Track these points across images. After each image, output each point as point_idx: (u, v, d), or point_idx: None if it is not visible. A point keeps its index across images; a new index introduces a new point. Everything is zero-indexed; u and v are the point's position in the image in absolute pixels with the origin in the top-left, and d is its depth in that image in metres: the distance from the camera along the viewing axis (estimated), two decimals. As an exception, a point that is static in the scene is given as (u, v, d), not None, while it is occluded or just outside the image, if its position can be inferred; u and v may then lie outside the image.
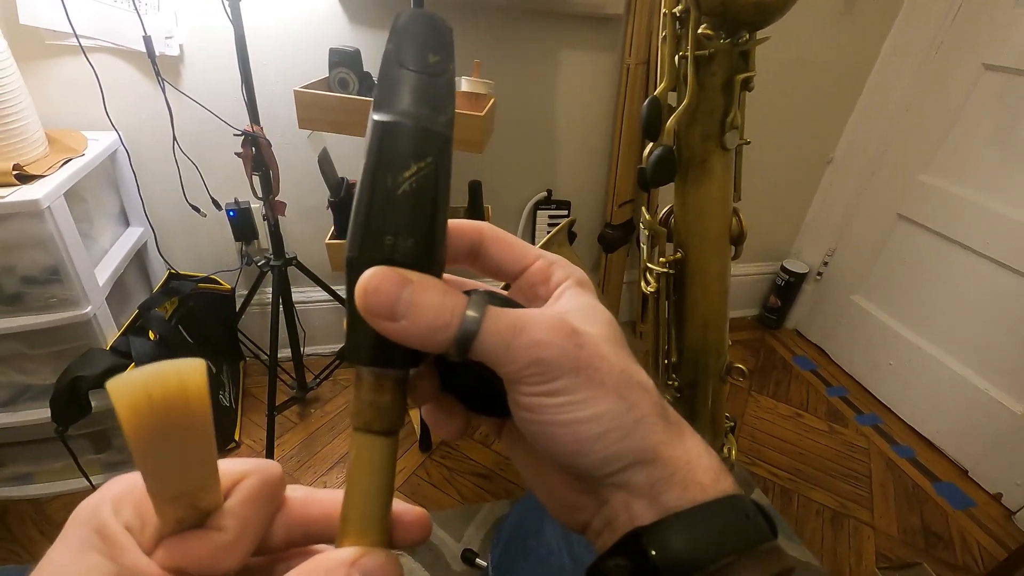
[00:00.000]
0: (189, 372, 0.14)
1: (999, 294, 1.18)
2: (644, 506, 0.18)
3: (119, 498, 0.16)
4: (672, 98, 0.40)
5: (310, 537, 0.19)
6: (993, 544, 1.10)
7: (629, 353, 0.20)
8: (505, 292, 0.22)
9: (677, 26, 0.37)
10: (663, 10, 0.37)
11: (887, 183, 1.41)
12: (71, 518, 0.16)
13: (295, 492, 0.20)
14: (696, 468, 0.19)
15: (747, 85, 0.37)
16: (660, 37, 0.39)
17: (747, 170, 0.41)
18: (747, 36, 0.34)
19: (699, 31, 0.33)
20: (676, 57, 0.38)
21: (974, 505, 1.19)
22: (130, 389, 0.14)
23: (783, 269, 1.66)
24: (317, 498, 0.20)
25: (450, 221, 0.20)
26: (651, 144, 0.40)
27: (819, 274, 1.64)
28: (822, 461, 1.28)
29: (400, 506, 0.20)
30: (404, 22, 0.19)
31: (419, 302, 0.17)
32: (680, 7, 0.35)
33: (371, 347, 0.18)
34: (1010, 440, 1.17)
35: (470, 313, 0.17)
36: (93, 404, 0.91)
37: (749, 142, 0.40)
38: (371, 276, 0.16)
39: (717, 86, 0.37)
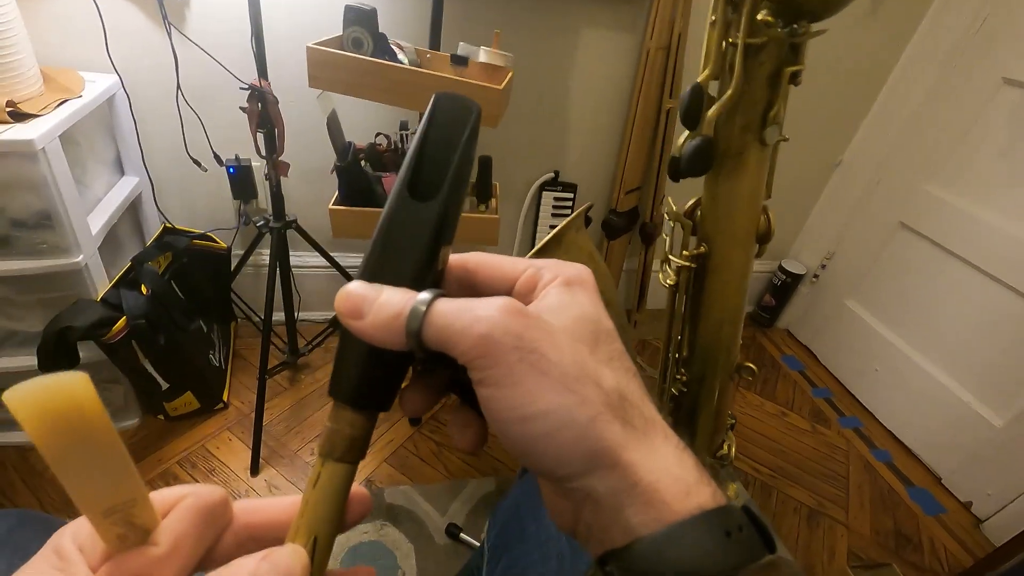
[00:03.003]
0: (76, 384, 0.15)
1: (992, 310, 1.19)
2: (610, 521, 0.18)
3: (80, 522, 0.18)
4: (711, 87, 0.38)
5: (261, 543, 0.20)
6: (960, 550, 1.14)
7: (604, 353, 0.19)
8: None
9: (729, 11, 0.35)
10: (715, -8, 0.35)
11: (892, 190, 1.41)
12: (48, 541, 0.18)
13: (244, 503, 0.21)
14: (661, 480, 0.17)
15: (795, 79, 0.36)
16: (709, 21, 0.37)
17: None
18: (805, 26, 0.32)
19: (758, 17, 0.31)
20: (724, 43, 0.36)
21: (944, 512, 1.23)
22: (26, 401, 0.14)
23: (781, 269, 1.66)
24: (263, 506, 0.21)
25: None
26: (688, 133, 0.39)
27: (815, 276, 1.65)
28: (803, 460, 1.30)
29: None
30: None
31: (382, 301, 0.19)
32: (736, -11, 0.34)
33: (353, 387, 0.20)
34: (987, 452, 1.20)
35: (421, 297, 0.18)
36: (81, 355, 0.90)
37: (788, 139, 0.39)
38: (350, 284, 0.19)
39: (764, 78, 0.36)
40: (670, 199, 0.46)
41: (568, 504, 0.19)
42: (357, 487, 0.22)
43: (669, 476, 0.18)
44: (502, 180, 1.25)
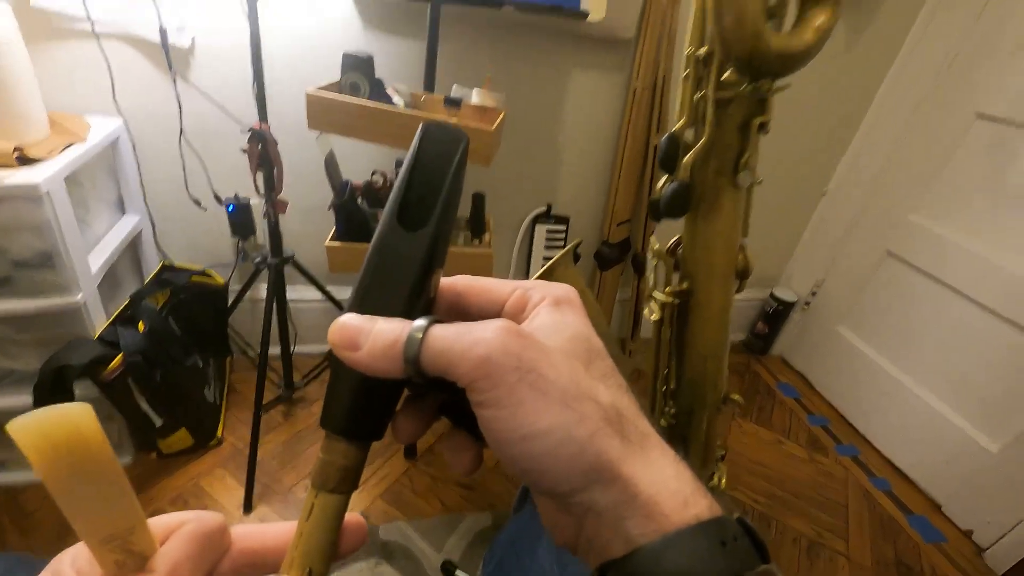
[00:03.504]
0: (79, 414, 0.15)
1: (981, 336, 1.21)
2: (611, 534, 0.18)
3: (79, 548, 0.18)
4: (689, 134, 0.41)
5: (258, 569, 0.20)
6: (963, 580, 1.12)
7: (598, 370, 0.20)
8: None
9: (700, 67, 0.38)
10: (686, 50, 0.38)
11: (878, 219, 1.45)
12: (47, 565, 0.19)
13: (241, 529, 0.22)
14: (660, 492, 0.18)
15: (763, 128, 0.38)
16: (682, 75, 0.40)
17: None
18: (769, 84, 0.35)
19: (723, 77, 0.34)
20: (696, 96, 0.39)
21: (945, 540, 1.22)
22: (30, 431, 0.15)
23: (772, 296, 1.69)
24: (260, 532, 0.22)
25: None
26: (666, 177, 0.41)
27: (807, 303, 1.67)
28: (801, 489, 1.30)
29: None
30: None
31: (378, 331, 0.19)
32: (704, 49, 0.36)
33: (346, 418, 0.21)
34: (983, 478, 1.20)
35: (417, 324, 0.19)
36: (77, 394, 0.90)
37: (761, 182, 0.41)
38: (343, 316, 0.19)
39: (734, 127, 0.38)
40: (654, 237, 0.48)
41: (569, 519, 0.20)
42: (353, 515, 0.22)
43: (667, 488, 0.18)
44: (496, 214, 1.28)
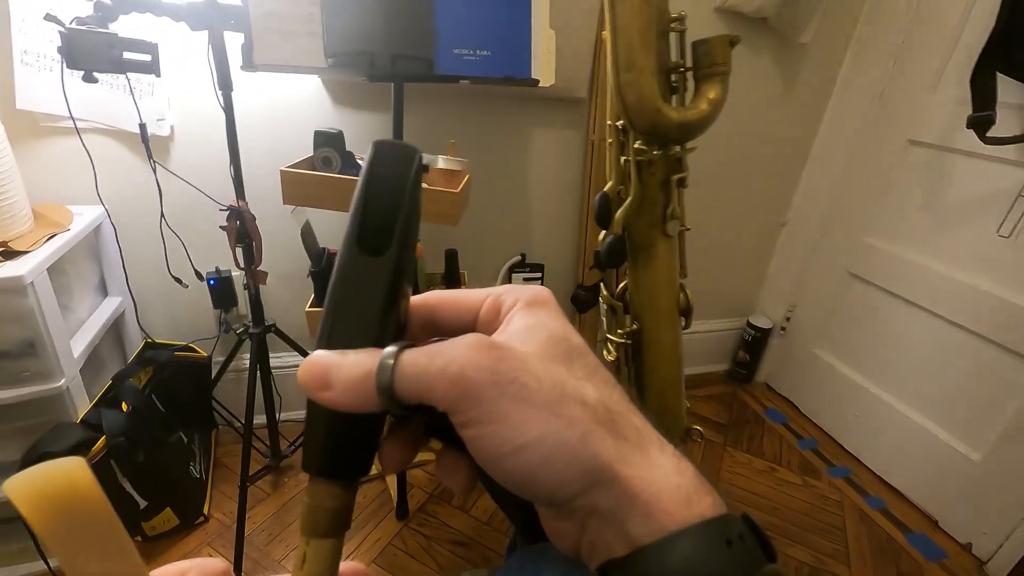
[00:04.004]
0: (73, 467, 0.16)
1: (947, 347, 1.26)
2: (613, 534, 0.18)
3: None
4: (619, 191, 0.46)
5: None
6: (967, 596, 1.11)
7: (581, 369, 0.19)
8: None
9: (620, 135, 0.43)
10: (608, 121, 0.44)
11: (837, 243, 1.52)
12: None
13: None
14: (662, 490, 0.17)
15: (682, 183, 0.43)
16: (608, 143, 0.45)
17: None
18: (677, 148, 0.40)
19: (635, 145, 0.39)
20: (621, 159, 0.44)
21: (946, 556, 1.21)
22: (25, 488, 0.15)
23: (749, 324, 1.73)
24: None
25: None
26: (603, 232, 0.45)
27: (783, 329, 1.72)
28: (797, 515, 1.29)
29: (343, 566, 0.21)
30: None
31: (349, 364, 0.18)
32: (622, 121, 0.42)
33: (328, 458, 0.20)
34: (973, 488, 1.21)
35: (387, 352, 0.18)
36: (58, 481, 0.89)
37: (689, 228, 0.46)
38: (312, 354, 0.19)
39: (656, 184, 0.43)
40: (602, 285, 0.52)
41: (571, 525, 0.19)
42: (351, 564, 0.21)
43: (669, 485, 0.17)
44: (472, 267, 1.33)
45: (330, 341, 0.19)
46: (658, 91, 0.36)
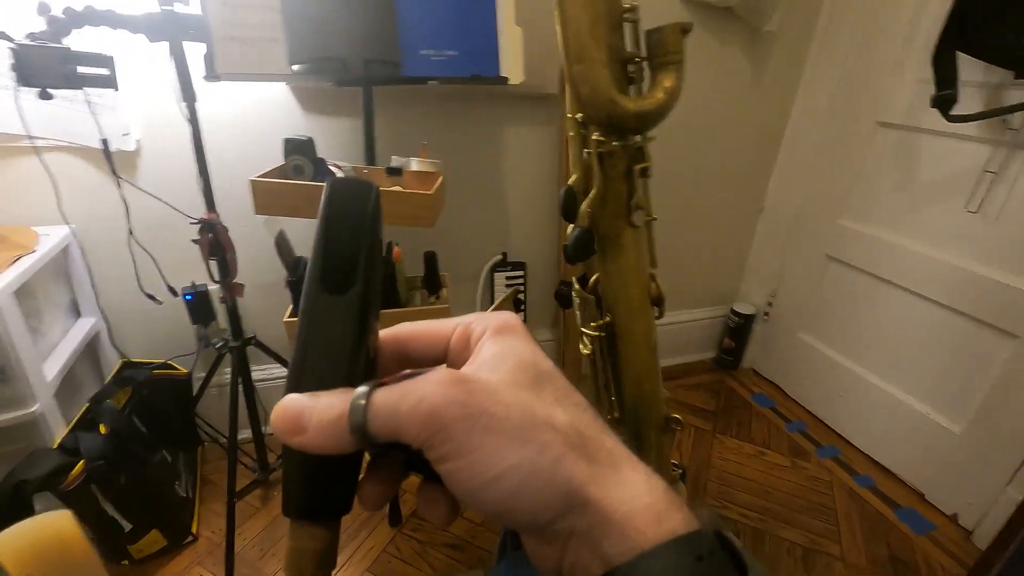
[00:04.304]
0: (59, 520, 0.16)
1: (924, 324, 1.28)
2: (590, 555, 0.18)
3: None
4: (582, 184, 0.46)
5: None
6: (955, 566, 1.14)
7: (550, 394, 0.20)
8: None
9: (581, 128, 0.43)
10: (568, 115, 0.43)
11: (813, 227, 1.54)
12: None
13: None
14: (634, 509, 0.18)
15: (645, 173, 0.43)
16: (568, 135, 0.45)
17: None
18: (637, 138, 0.40)
19: (594, 137, 0.39)
20: (583, 152, 0.44)
21: (935, 528, 1.23)
22: (13, 543, 0.16)
23: (733, 312, 1.75)
24: None
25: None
26: (571, 226, 0.45)
27: (766, 314, 1.74)
28: (788, 498, 1.31)
29: None
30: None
31: (322, 407, 0.18)
32: (581, 114, 0.42)
33: (308, 501, 0.20)
34: (955, 460, 1.23)
35: (358, 392, 0.18)
36: (36, 508, 0.87)
37: (656, 218, 0.46)
38: (284, 400, 0.19)
39: (619, 175, 0.43)
40: (575, 279, 0.52)
41: (552, 550, 0.19)
42: None
43: (640, 504, 0.18)
44: (454, 268, 1.32)
45: (300, 383, 0.19)
46: (612, 82, 0.36)
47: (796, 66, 1.49)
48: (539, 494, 0.18)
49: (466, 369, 0.20)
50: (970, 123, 1.03)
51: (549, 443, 0.18)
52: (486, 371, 0.20)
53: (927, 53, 1.04)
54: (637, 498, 0.18)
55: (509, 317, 0.22)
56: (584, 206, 0.43)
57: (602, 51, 0.35)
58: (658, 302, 0.49)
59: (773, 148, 1.60)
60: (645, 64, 0.40)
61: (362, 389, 0.18)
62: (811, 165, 1.52)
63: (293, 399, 0.19)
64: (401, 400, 0.18)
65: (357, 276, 0.20)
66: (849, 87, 1.39)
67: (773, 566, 1.13)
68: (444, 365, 0.22)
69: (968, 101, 1.05)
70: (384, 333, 0.22)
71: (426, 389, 0.18)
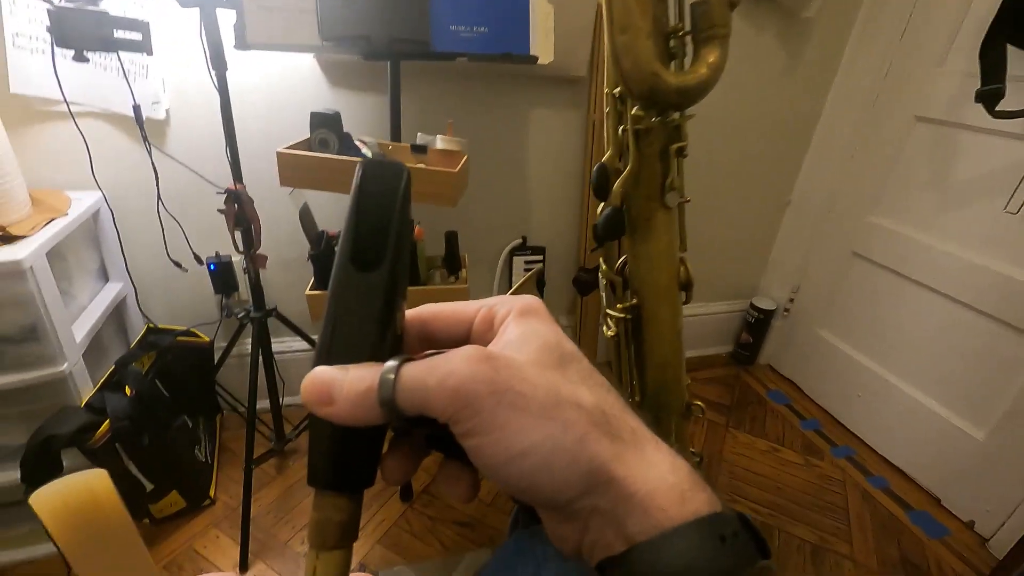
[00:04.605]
0: (95, 480, 0.17)
1: (950, 326, 1.25)
2: (613, 533, 0.18)
3: None
4: (620, 164, 0.45)
5: None
6: (968, 571, 1.12)
7: (575, 374, 0.20)
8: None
9: (618, 104, 0.42)
10: (605, 89, 0.43)
11: (841, 223, 1.51)
12: None
13: None
14: (657, 488, 0.18)
15: (681, 153, 0.42)
16: (605, 112, 0.44)
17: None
18: (676, 115, 0.39)
19: (632, 112, 0.38)
20: (619, 129, 0.43)
21: (948, 533, 1.21)
22: (49, 500, 0.16)
23: (752, 306, 1.72)
24: None
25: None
26: (601, 204, 0.44)
27: (786, 310, 1.71)
28: (800, 495, 1.30)
29: None
30: None
31: (351, 379, 0.19)
32: (619, 89, 0.41)
33: (334, 472, 0.20)
34: (976, 467, 1.21)
35: (387, 366, 0.19)
36: (65, 464, 0.90)
37: (689, 200, 0.45)
38: (314, 371, 0.19)
39: (655, 154, 0.42)
40: (602, 260, 0.52)
41: (573, 528, 0.19)
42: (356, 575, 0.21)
43: (664, 484, 0.18)
44: (472, 250, 1.32)
45: (330, 357, 0.20)
46: (655, 54, 0.35)
47: (834, 55, 1.44)
48: (563, 471, 0.18)
49: (492, 347, 0.21)
50: (1016, 119, 0.99)
51: (574, 421, 0.18)
52: (512, 351, 0.20)
53: (975, 44, 1.00)
54: (661, 478, 0.18)
55: (532, 300, 0.22)
56: (617, 184, 0.43)
57: (647, 21, 0.34)
58: (687, 287, 0.48)
59: (804, 140, 1.56)
60: (687, 39, 0.39)
61: (391, 363, 0.19)
62: (843, 159, 1.48)
63: (323, 371, 0.19)
64: (429, 374, 0.18)
65: (386, 255, 0.20)
66: (888, 79, 1.34)
67: (782, 562, 1.12)
68: (491, 345, 0.22)
69: (1015, 96, 1.00)
70: (408, 314, 0.23)
71: (454, 364, 0.18)
